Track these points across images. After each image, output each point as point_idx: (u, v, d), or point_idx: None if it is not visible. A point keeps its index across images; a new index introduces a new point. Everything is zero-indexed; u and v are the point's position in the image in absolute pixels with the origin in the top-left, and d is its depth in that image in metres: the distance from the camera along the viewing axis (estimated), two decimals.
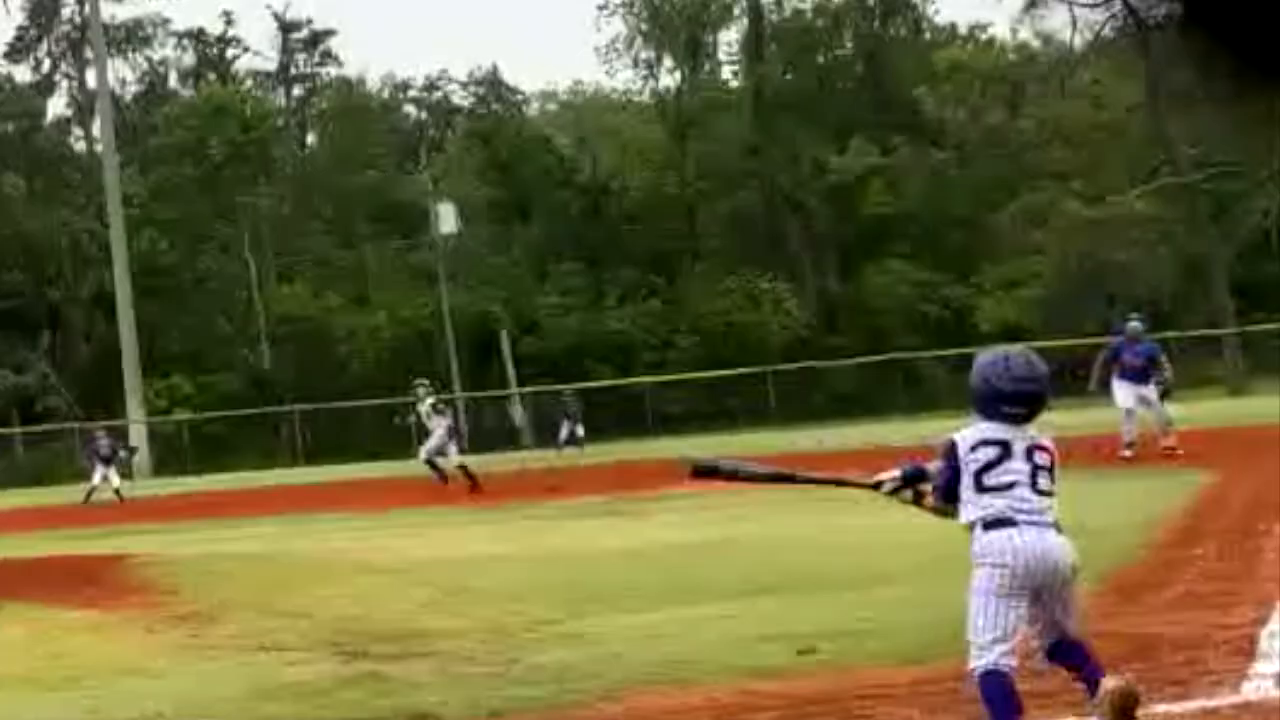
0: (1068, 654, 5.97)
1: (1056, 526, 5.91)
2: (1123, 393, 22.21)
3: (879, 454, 26.60)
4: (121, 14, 69.21)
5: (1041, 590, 5.82)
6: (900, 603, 9.82)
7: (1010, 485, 5.84)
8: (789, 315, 58.99)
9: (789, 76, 65.68)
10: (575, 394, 45.39)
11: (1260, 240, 56.41)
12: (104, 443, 34.79)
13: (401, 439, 54.90)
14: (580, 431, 41.61)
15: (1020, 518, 5.80)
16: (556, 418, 42.87)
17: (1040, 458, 5.93)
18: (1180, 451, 21.33)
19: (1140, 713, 6.16)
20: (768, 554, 13.39)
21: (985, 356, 6.09)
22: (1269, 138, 45.53)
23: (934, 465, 6.10)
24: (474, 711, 7.44)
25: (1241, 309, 50.69)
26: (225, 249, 62.45)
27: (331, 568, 14.43)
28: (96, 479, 33.13)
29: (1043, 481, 5.92)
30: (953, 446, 5.90)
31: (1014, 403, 5.90)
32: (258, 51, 72.08)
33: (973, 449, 5.87)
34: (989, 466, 5.85)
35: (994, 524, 5.79)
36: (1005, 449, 5.89)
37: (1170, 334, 52.58)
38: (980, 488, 5.84)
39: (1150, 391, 22.19)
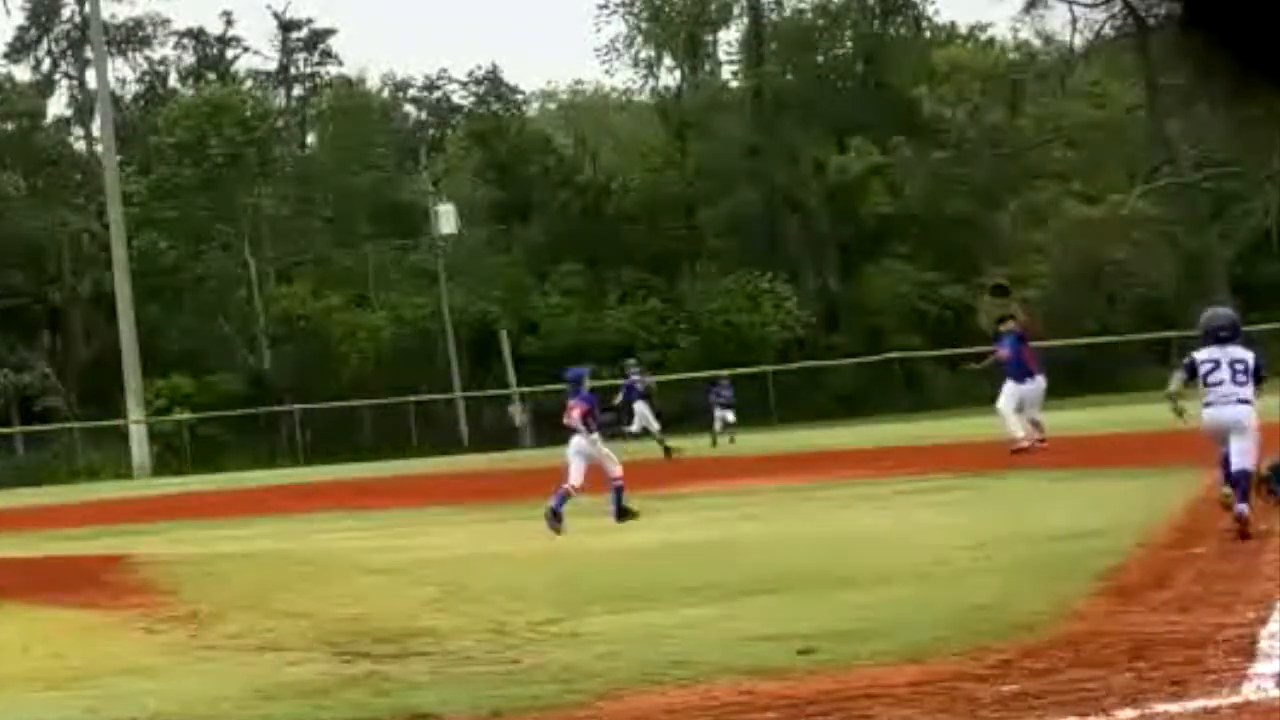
0: (1230, 473, 11.66)
1: (1245, 400, 11.76)
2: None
3: (878, 453, 26.63)
4: (121, 14, 69.28)
5: (1228, 436, 11.73)
6: (900, 603, 9.82)
7: (1219, 382, 11.72)
8: (789, 315, 58.96)
9: (789, 76, 65.64)
10: (730, 379, 42.48)
11: (1260, 240, 56.42)
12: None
13: (402, 438, 55.11)
14: (728, 418, 38.66)
15: (1217, 399, 11.76)
16: (712, 405, 39.87)
17: (1238, 365, 11.77)
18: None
19: (1140, 713, 6.19)
20: (768, 554, 13.39)
21: (1203, 314, 12.43)
22: (1269, 138, 45.59)
23: (1179, 373, 12.28)
24: (474, 711, 7.44)
25: (1241, 309, 50.68)
26: (225, 249, 62.40)
27: (331, 568, 14.44)
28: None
29: (1240, 376, 11.76)
30: (1193, 361, 11.91)
31: (1215, 337, 11.92)
32: (258, 51, 72.14)
33: (1202, 363, 11.83)
34: (1210, 373, 11.76)
35: (1205, 405, 11.81)
36: (1216, 364, 11.78)
37: (1171, 334, 52.66)
38: (1205, 384, 11.79)
39: (1008, 388, 23.20)
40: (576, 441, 18.08)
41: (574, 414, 18.15)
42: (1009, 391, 23.08)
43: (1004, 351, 23.48)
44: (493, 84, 69.97)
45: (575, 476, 17.65)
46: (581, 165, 65.62)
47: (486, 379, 58.29)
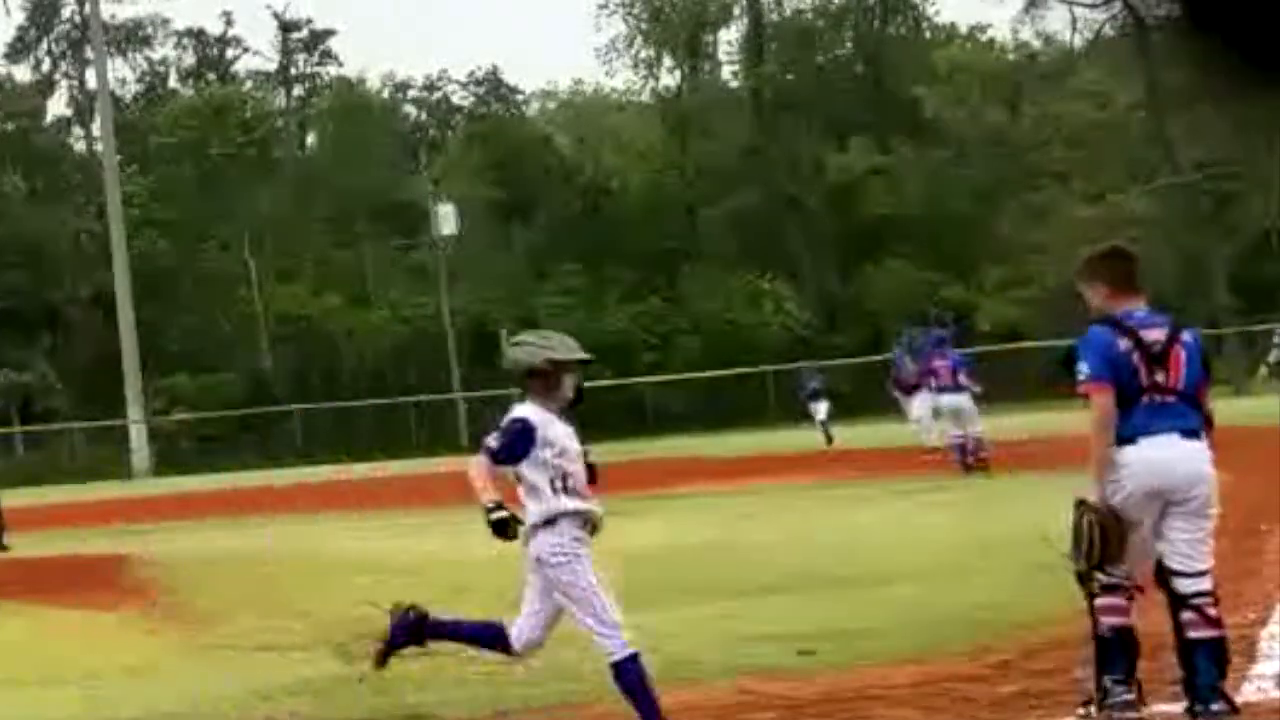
0: None
1: None
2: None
3: (878, 453, 26.59)
4: (121, 14, 69.28)
5: None
6: (900, 603, 9.83)
7: None
8: (789, 315, 58.96)
9: (789, 76, 65.64)
10: (816, 369, 39.16)
11: (1260, 240, 56.37)
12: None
13: (402, 438, 55.09)
14: (822, 415, 34.89)
15: None
16: (803, 397, 36.87)
17: None
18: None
19: (1140, 713, 6.19)
20: (768, 554, 13.39)
21: None
22: (1269, 138, 45.58)
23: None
24: (474, 711, 7.44)
25: (1241, 309, 50.67)
26: (225, 249, 62.40)
27: (331, 568, 14.43)
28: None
29: None
30: None
31: None
32: (258, 51, 72.12)
33: None
34: None
35: None
36: None
37: None
38: None
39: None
40: (951, 399, 21.15)
41: (963, 374, 21.36)
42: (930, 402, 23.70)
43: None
44: (493, 84, 69.98)
45: (973, 425, 21.04)
46: (581, 165, 65.62)
47: (486, 379, 58.24)
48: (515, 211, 63.66)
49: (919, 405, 24.64)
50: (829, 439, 33.57)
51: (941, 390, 21.74)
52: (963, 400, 21.31)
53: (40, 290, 60.12)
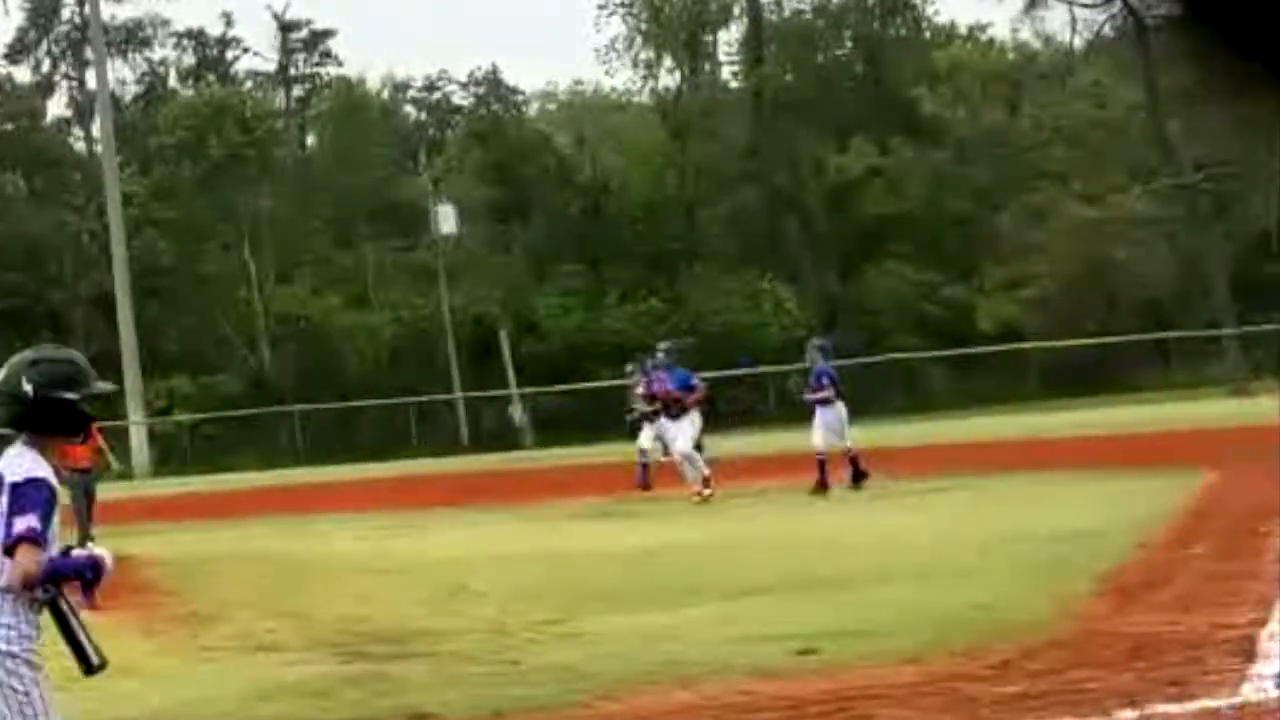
0: None
1: None
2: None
3: (878, 453, 26.62)
4: (121, 14, 69.20)
5: None
6: (900, 603, 9.82)
7: None
8: (789, 315, 58.93)
9: (789, 77, 65.62)
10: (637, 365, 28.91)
11: (1260, 240, 56.37)
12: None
13: (402, 438, 55.09)
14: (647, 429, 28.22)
15: None
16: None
17: None
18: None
19: (1140, 713, 6.19)
20: (768, 554, 13.39)
21: None
22: (1269, 137, 45.53)
23: None
24: (474, 711, 7.44)
25: (1242, 309, 50.65)
26: (225, 249, 62.37)
27: (331, 568, 14.44)
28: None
29: None
30: None
31: None
32: (257, 52, 72.05)
33: None
34: None
35: None
36: None
37: (1171, 334, 52.68)
38: None
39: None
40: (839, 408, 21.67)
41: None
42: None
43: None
44: (493, 84, 69.93)
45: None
46: (581, 165, 65.60)
47: (487, 379, 58.25)
48: (515, 211, 63.63)
49: (684, 430, 21.88)
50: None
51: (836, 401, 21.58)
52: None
53: (40, 290, 60.09)
